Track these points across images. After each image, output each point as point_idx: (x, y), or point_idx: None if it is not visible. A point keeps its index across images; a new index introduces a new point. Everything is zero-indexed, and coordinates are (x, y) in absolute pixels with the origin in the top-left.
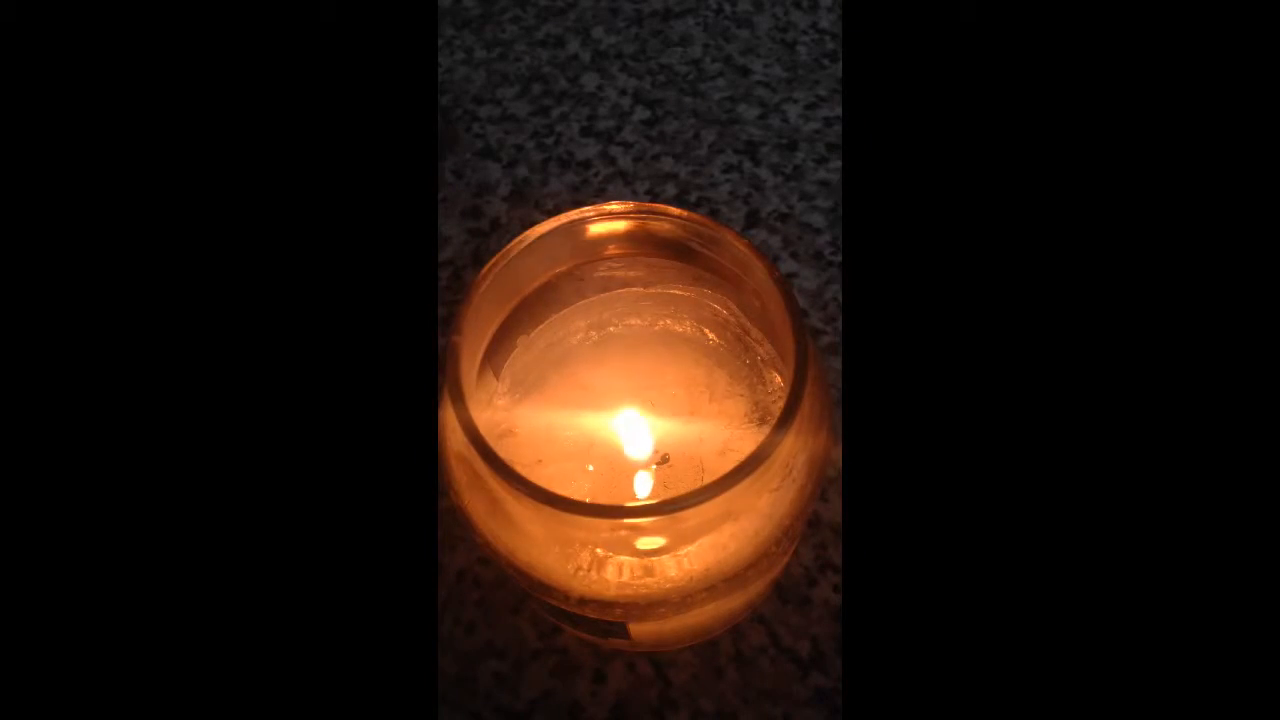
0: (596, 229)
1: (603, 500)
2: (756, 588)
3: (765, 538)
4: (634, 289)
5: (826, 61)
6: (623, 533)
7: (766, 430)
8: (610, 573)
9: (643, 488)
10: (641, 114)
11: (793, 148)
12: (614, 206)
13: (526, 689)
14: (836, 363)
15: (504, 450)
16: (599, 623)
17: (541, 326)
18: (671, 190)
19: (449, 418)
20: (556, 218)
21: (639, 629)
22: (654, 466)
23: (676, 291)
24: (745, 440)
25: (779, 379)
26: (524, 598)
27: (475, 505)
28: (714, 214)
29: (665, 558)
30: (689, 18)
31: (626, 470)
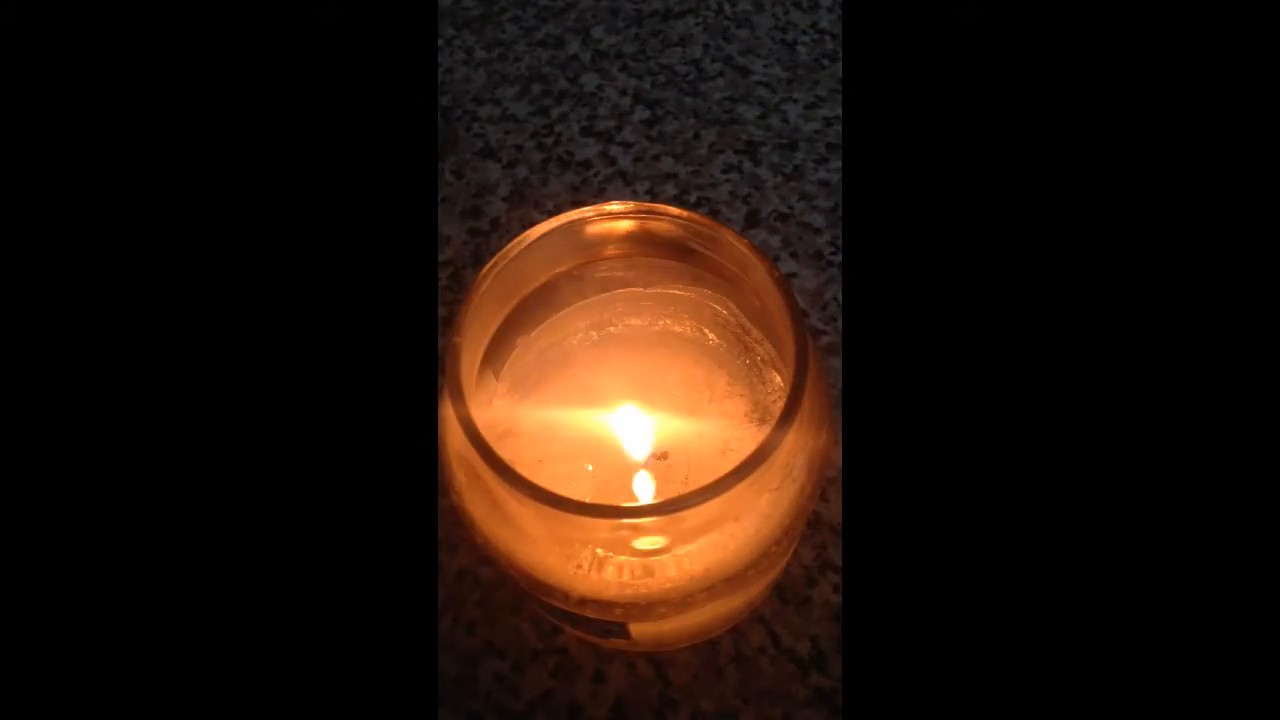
0: (596, 229)
1: (603, 500)
2: (756, 588)
3: (765, 538)
4: (634, 289)
5: (826, 61)
6: (623, 533)
7: (766, 430)
8: (610, 573)
9: (643, 488)
10: (641, 114)
11: (793, 148)
12: (614, 206)
13: (526, 689)
14: (836, 363)
15: (504, 450)
16: (599, 623)
17: (541, 327)
18: (671, 190)
19: (449, 418)
20: (556, 218)
21: (639, 629)
22: (654, 460)
23: (676, 291)
24: (745, 440)
25: (779, 379)
26: (524, 598)
27: (475, 505)
28: (714, 214)
29: (665, 558)
30: (689, 18)
31: (626, 470)
